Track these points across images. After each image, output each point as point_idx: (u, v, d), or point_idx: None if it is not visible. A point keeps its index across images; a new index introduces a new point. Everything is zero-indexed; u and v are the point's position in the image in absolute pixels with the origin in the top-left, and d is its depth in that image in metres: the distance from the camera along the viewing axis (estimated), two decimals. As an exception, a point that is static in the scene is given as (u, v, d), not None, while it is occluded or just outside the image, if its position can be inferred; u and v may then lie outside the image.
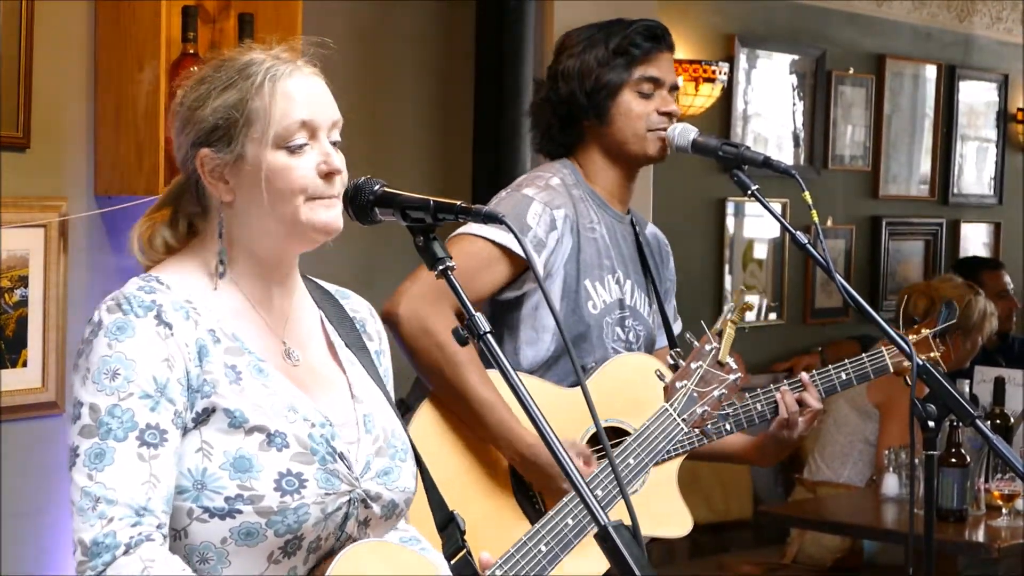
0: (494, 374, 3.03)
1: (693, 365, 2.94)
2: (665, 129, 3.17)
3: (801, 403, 3.14)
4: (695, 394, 2.93)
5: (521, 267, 3.07)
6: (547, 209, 3.09)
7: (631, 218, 3.30)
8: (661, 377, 2.97)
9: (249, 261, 2.11)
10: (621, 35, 3.17)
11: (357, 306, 2.30)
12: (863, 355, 3.26)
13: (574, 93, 3.17)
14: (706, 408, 2.93)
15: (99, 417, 1.95)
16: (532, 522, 2.97)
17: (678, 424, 2.93)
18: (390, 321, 2.99)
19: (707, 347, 2.95)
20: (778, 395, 3.15)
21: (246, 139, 2.04)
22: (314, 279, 2.27)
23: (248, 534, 1.98)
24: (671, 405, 2.92)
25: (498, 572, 2.43)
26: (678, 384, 2.94)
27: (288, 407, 2.04)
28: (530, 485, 3.05)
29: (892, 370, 3.24)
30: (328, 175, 2.07)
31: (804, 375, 3.18)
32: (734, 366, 2.97)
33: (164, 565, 1.93)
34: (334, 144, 2.10)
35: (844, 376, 3.24)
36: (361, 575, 2.04)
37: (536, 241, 3.05)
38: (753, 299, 3.04)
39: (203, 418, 2.00)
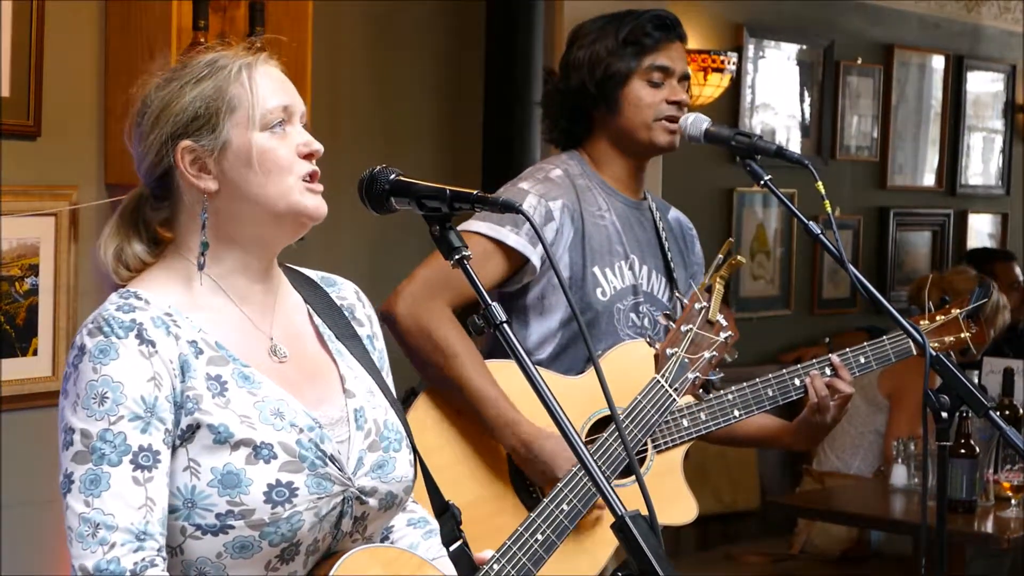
0: (493, 364, 3.04)
1: (683, 328, 2.92)
2: (675, 119, 3.17)
3: (831, 388, 3.14)
4: (686, 360, 2.91)
5: (519, 262, 3.09)
6: (542, 201, 3.10)
7: (649, 204, 3.30)
8: (651, 344, 2.95)
9: (232, 256, 2.10)
10: (631, 24, 3.18)
11: (344, 293, 2.28)
12: (883, 337, 3.22)
13: (584, 83, 3.17)
14: (697, 374, 2.91)
15: (91, 443, 1.94)
16: (528, 508, 2.97)
17: (669, 395, 2.92)
18: (388, 320, 3.02)
19: (696, 306, 2.92)
20: (807, 379, 3.13)
21: (230, 125, 2.06)
22: (297, 268, 2.26)
23: (243, 547, 1.99)
24: (662, 375, 2.91)
25: (495, 566, 2.41)
26: (668, 351, 2.92)
27: (274, 413, 2.03)
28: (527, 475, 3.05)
29: (915, 352, 3.20)
30: (309, 155, 2.09)
31: (835, 357, 3.16)
32: (724, 323, 2.94)
33: None
34: None
35: (863, 359, 3.22)
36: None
37: (531, 233, 3.06)
38: (739, 257, 3.01)
39: (188, 435, 1.99)
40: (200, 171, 2.06)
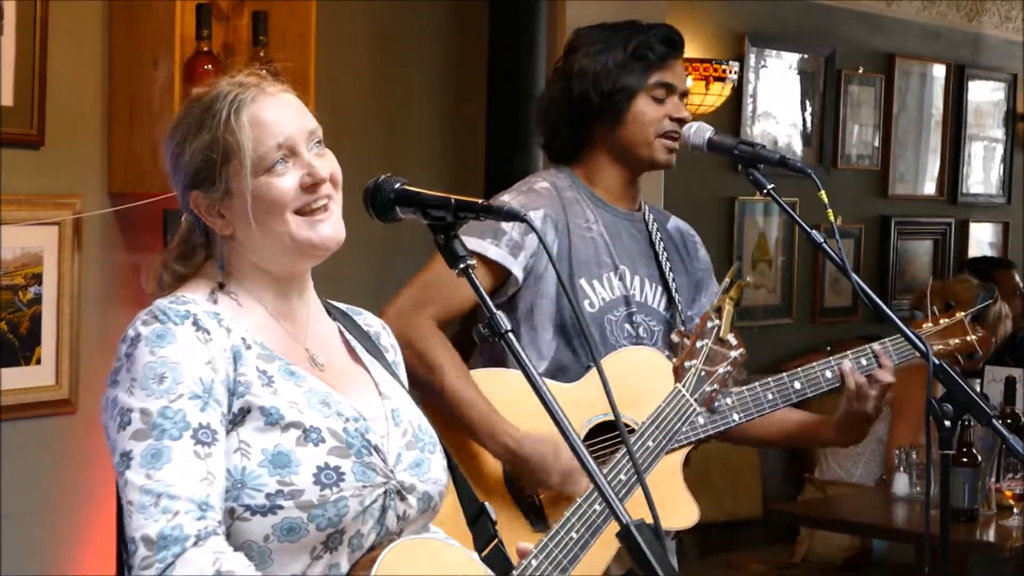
0: (487, 372, 3.05)
1: (698, 344, 2.93)
2: (676, 136, 3.17)
3: (871, 377, 3.11)
4: (703, 373, 2.92)
5: (502, 275, 3.09)
6: (522, 211, 3.09)
7: (644, 215, 3.29)
8: (670, 358, 2.97)
9: (265, 279, 2.15)
10: (639, 39, 3.17)
11: (370, 321, 2.35)
12: (886, 340, 3.20)
13: (588, 93, 3.16)
14: (715, 387, 2.93)
15: (151, 420, 1.97)
16: (527, 518, 2.99)
17: (691, 404, 2.93)
18: None
19: (709, 325, 2.95)
20: (842, 368, 3.13)
21: (227, 175, 2.09)
22: (327, 300, 2.31)
23: (290, 530, 2.01)
24: (683, 385, 2.92)
25: (533, 562, 2.44)
26: (687, 364, 2.93)
27: (321, 403, 2.09)
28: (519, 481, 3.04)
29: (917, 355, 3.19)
30: (313, 186, 2.11)
31: (876, 345, 3.15)
32: (734, 342, 2.96)
33: (233, 559, 1.95)
34: (319, 155, 2.14)
35: (864, 361, 3.19)
36: (409, 573, 2.07)
37: (512, 244, 3.07)
38: (747, 278, 3.01)
39: (239, 418, 2.03)
40: (215, 216, 2.12)
